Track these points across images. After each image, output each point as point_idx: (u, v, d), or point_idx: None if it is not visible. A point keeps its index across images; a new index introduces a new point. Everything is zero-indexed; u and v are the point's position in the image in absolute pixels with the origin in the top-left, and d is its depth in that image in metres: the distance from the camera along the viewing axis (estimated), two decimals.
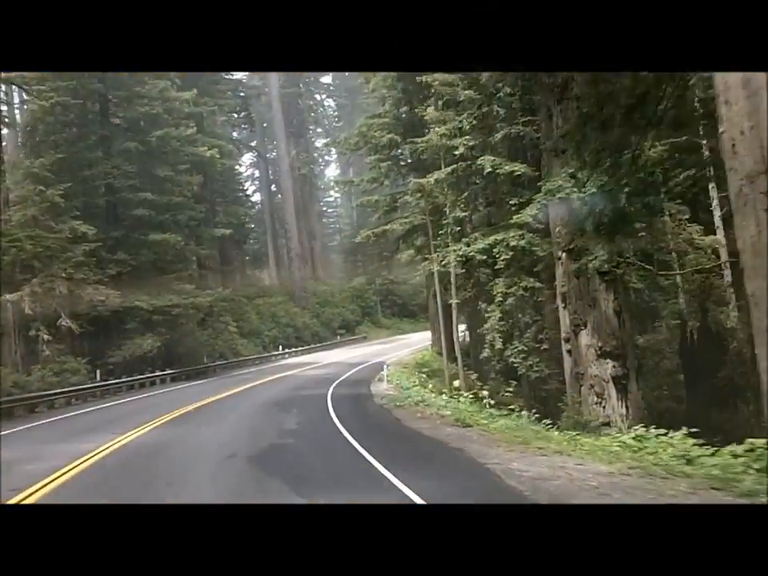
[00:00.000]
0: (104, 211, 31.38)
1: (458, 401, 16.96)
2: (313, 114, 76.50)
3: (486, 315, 21.06)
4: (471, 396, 16.87)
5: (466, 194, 22.20)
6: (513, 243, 20.49)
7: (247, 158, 76.20)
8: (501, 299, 20.53)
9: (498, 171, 20.52)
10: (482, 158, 20.96)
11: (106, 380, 26.72)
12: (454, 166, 22.04)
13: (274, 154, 70.23)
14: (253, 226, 62.67)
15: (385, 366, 25.16)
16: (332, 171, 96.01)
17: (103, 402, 23.75)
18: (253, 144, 71.68)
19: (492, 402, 16.21)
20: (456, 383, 17.21)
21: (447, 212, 23.05)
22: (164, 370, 30.77)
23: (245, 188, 63.11)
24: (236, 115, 60.90)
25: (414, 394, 18.45)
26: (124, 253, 29.88)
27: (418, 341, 49.40)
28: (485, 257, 21.24)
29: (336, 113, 79.26)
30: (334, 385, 23.68)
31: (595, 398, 17.01)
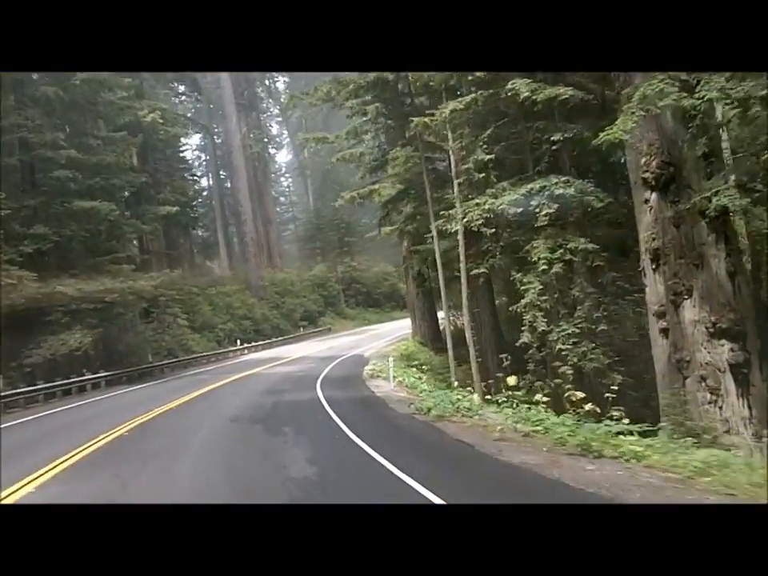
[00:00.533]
0: (17, 173, 24.87)
1: (515, 406, 11.89)
2: (264, 94, 70.68)
3: (522, 288, 16.05)
4: (537, 398, 11.73)
5: (489, 130, 17.03)
6: (558, 191, 15.61)
7: (193, 142, 69.82)
8: (545, 266, 15.55)
9: (535, 98, 15.46)
10: (513, 81, 15.88)
11: (15, 387, 20.40)
12: (473, 95, 16.87)
13: (223, 137, 63.90)
14: (202, 210, 56.79)
15: (390, 360, 19.76)
16: (283, 157, 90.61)
17: (2, 420, 16.85)
18: (201, 122, 65.16)
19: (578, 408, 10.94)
20: (511, 380, 12.01)
21: (452, 159, 18.01)
22: (97, 372, 24.56)
23: (192, 168, 56.99)
24: (182, 87, 55.10)
25: (446, 398, 13.27)
26: (43, 225, 23.49)
27: (389, 331, 45.43)
28: (519, 209, 16.23)
29: (288, 88, 72.99)
30: (320, 385, 18.51)
31: (708, 395, 12.14)
